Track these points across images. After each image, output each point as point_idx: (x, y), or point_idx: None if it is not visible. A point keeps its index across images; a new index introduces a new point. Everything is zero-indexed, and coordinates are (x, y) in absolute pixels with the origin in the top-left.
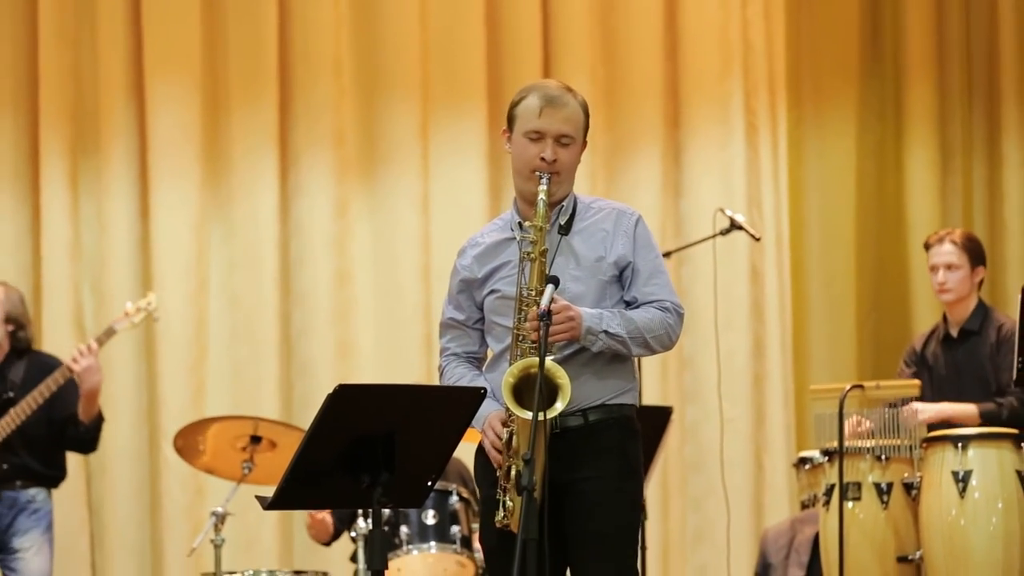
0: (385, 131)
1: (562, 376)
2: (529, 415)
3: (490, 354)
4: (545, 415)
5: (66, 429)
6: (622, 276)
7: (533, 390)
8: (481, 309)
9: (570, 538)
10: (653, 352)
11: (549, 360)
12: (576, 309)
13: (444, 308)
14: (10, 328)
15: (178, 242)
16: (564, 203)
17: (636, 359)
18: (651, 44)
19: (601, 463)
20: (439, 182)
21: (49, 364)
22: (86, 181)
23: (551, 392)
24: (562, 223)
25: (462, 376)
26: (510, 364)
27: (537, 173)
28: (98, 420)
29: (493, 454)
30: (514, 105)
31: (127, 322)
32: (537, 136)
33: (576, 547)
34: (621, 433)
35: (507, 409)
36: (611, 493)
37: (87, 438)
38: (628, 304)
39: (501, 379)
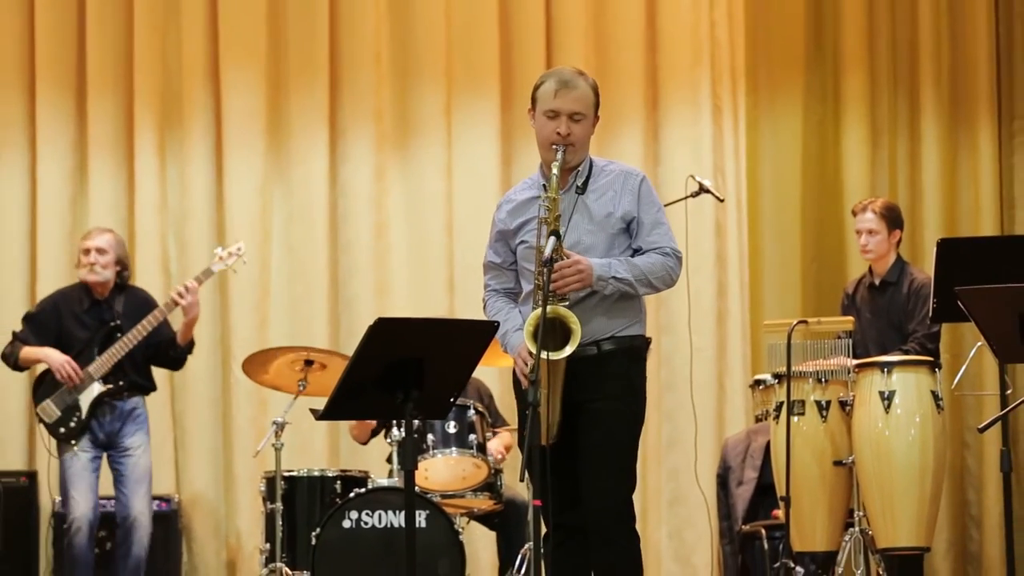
0: (416, 110)
1: (575, 323)
2: (544, 355)
3: (522, 292)
4: (548, 355)
5: (163, 349)
6: (629, 228)
7: (548, 332)
8: (514, 254)
9: (580, 448)
10: (657, 290)
11: (565, 309)
12: (586, 262)
13: (486, 251)
14: (118, 268)
15: (246, 200)
16: (580, 167)
17: (642, 297)
18: (635, 40)
19: (609, 386)
20: (460, 152)
21: (143, 297)
22: (171, 150)
23: (565, 335)
24: (579, 184)
25: (500, 309)
26: (533, 307)
27: (554, 146)
28: (191, 345)
29: (522, 378)
30: (536, 88)
31: (222, 264)
32: (553, 115)
33: (584, 456)
34: (626, 360)
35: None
36: (615, 411)
37: (181, 358)
38: (635, 252)
39: (528, 317)
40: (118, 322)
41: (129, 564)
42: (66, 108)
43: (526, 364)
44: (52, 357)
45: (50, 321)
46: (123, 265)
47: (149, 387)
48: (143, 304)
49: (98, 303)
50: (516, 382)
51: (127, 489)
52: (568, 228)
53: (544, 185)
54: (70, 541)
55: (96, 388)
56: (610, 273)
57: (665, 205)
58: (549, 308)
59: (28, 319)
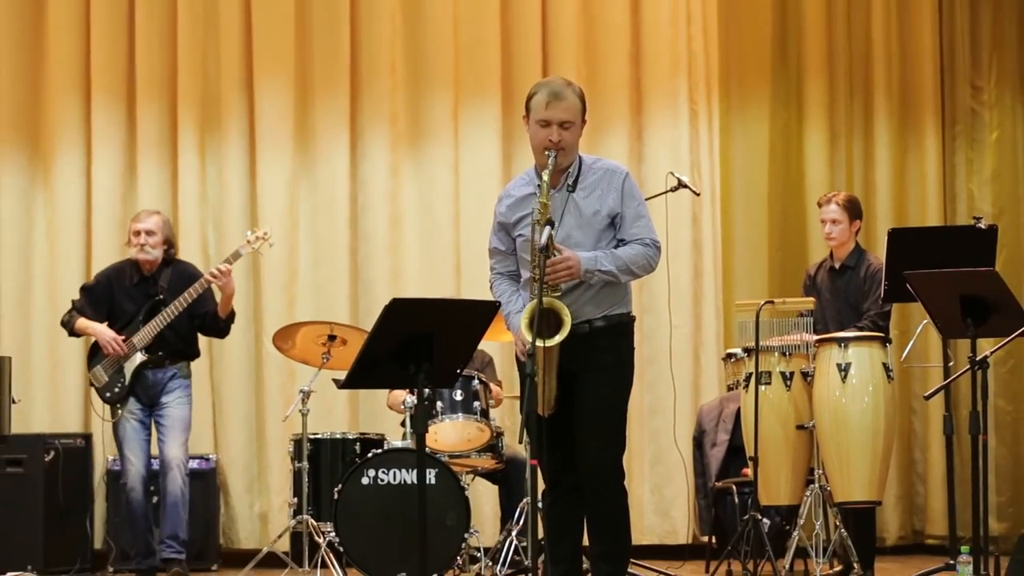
0: (427, 114)
1: (566, 315)
2: (539, 343)
3: (522, 278)
4: (544, 343)
5: (207, 321)
6: (614, 222)
7: (543, 319)
8: (514, 242)
9: (575, 413)
10: (638, 277)
11: (559, 302)
12: (575, 257)
13: (490, 239)
14: (165, 247)
15: (276, 194)
16: (570, 168)
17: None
18: (621, 53)
19: (601, 358)
20: (466, 151)
21: (188, 271)
22: (210, 150)
23: (557, 323)
24: (569, 183)
25: (505, 291)
26: (531, 294)
27: (547, 152)
28: (232, 315)
29: (521, 355)
30: (529, 98)
31: (249, 248)
32: (545, 124)
33: (579, 420)
34: (615, 335)
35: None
36: (607, 381)
37: (224, 328)
38: (620, 242)
39: (527, 302)
40: (161, 296)
41: (168, 502)
42: (118, 113)
43: (524, 346)
44: (102, 333)
45: (103, 294)
46: (170, 243)
47: (192, 352)
48: (188, 278)
49: (145, 278)
50: (519, 360)
51: (164, 436)
52: (560, 225)
53: (539, 186)
54: (127, 498)
55: (139, 357)
56: (596, 266)
57: (647, 198)
58: (544, 300)
59: (85, 290)
